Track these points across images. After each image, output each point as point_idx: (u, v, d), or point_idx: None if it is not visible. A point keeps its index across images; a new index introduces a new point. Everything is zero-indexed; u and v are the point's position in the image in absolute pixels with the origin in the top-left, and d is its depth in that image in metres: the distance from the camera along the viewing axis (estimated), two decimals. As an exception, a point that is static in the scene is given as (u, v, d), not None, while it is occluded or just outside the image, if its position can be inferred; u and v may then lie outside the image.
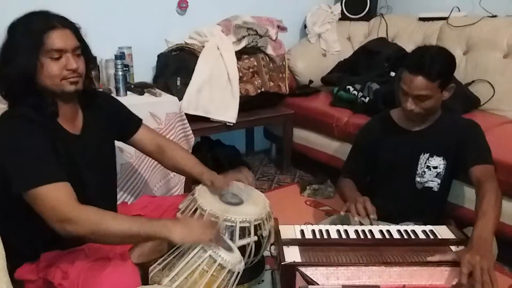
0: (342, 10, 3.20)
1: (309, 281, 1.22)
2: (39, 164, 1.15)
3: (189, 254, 1.21)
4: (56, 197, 1.12)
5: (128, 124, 1.56)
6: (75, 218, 1.11)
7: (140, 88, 2.24)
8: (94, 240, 1.21)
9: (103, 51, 2.19)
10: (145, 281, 1.24)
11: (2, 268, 0.84)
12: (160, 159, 1.61)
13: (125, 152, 1.98)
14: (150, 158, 2.10)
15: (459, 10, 2.69)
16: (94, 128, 1.38)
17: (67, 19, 1.25)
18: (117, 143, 1.59)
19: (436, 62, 1.51)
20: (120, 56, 2.20)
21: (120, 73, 2.13)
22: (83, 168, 1.31)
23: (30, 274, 1.28)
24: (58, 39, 1.20)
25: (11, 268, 1.28)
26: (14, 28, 1.21)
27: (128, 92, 2.20)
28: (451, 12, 2.67)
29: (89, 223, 1.12)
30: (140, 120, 1.60)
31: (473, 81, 2.43)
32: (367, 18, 3.13)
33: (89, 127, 1.37)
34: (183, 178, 2.25)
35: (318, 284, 1.22)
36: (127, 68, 2.28)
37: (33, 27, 1.19)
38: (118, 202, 1.64)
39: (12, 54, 1.19)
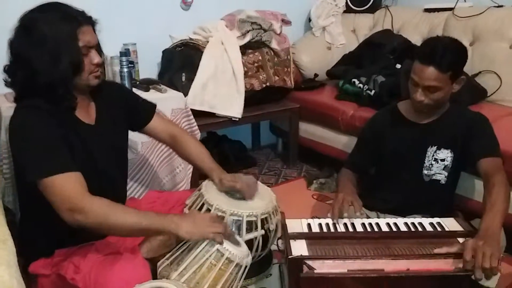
0: (346, 2, 3.18)
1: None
2: (51, 154, 1.16)
3: (197, 248, 1.22)
4: (68, 187, 1.14)
5: (140, 113, 1.57)
6: (85, 208, 1.13)
7: (146, 85, 2.24)
8: (101, 231, 1.23)
9: (108, 48, 2.13)
10: (154, 276, 1.25)
11: (13, 264, 0.86)
12: (173, 148, 1.65)
13: (131, 148, 1.99)
14: (158, 153, 2.13)
15: (465, 1, 2.66)
16: (107, 118, 1.40)
17: (86, 13, 1.25)
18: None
19: (448, 53, 1.50)
20: (125, 52, 2.21)
21: (125, 69, 2.13)
22: (98, 157, 1.33)
23: (44, 268, 1.30)
24: (88, 35, 1.22)
25: (25, 262, 1.31)
26: (36, 23, 1.18)
27: (133, 89, 2.20)
28: (456, 2, 2.64)
29: (98, 214, 1.14)
30: (154, 107, 1.61)
31: (479, 72, 2.40)
32: (372, 10, 3.11)
33: (103, 116, 1.39)
34: (189, 173, 2.26)
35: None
36: (132, 65, 2.27)
37: (64, 24, 1.18)
38: (127, 194, 1.66)
39: (55, 53, 1.17)
